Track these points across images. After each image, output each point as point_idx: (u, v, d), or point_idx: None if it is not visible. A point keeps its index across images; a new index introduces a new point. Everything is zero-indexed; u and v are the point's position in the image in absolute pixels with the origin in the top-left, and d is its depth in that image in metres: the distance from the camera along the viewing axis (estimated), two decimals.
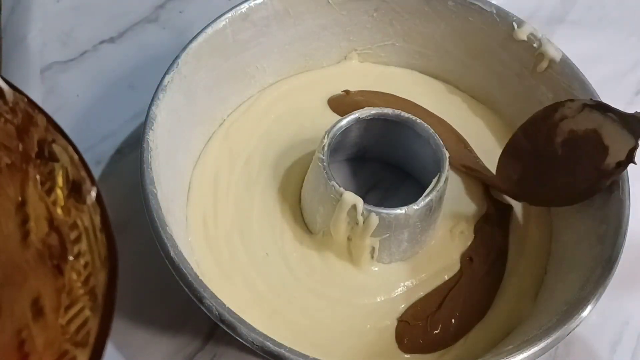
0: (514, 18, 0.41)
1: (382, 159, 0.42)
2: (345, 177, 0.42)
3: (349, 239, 0.36)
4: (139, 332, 0.35)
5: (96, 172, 0.41)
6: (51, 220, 0.22)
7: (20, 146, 0.23)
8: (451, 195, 0.38)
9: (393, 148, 0.41)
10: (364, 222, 0.34)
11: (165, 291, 0.35)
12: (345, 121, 0.37)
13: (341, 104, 0.43)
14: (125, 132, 0.43)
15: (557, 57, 0.39)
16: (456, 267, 0.37)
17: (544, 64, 0.40)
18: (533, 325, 0.33)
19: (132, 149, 0.42)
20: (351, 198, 0.34)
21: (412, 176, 0.42)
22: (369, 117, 0.38)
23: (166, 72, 0.36)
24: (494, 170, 0.39)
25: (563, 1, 0.55)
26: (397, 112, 0.38)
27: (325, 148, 0.36)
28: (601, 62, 0.49)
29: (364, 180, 0.42)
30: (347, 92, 0.43)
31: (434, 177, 0.36)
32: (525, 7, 0.53)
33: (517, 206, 0.40)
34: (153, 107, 0.35)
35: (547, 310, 0.33)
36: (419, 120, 0.38)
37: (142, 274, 0.37)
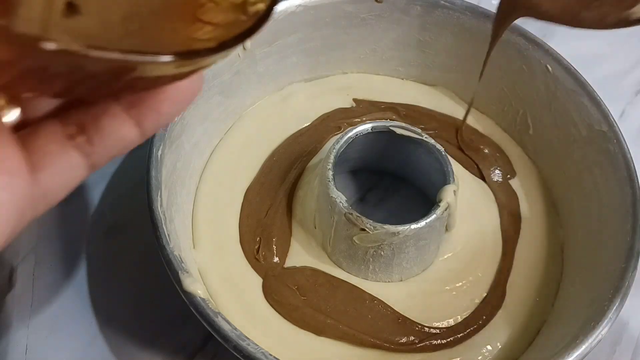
0: None
1: (379, 168, 0.42)
2: (345, 183, 0.42)
3: None
4: (139, 331, 0.35)
5: (96, 172, 0.41)
6: None
7: None
8: None
9: (392, 158, 0.40)
10: None
11: (165, 291, 0.35)
12: (347, 136, 0.36)
13: None
14: None
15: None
16: None
17: None
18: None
19: (132, 149, 0.42)
20: None
21: (407, 181, 0.42)
22: (368, 132, 0.37)
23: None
24: None
25: None
26: (402, 124, 0.37)
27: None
28: (601, 62, 0.50)
29: (361, 184, 0.42)
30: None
31: (437, 185, 0.36)
32: None
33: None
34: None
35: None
36: (425, 136, 0.37)
37: (143, 273, 0.37)
